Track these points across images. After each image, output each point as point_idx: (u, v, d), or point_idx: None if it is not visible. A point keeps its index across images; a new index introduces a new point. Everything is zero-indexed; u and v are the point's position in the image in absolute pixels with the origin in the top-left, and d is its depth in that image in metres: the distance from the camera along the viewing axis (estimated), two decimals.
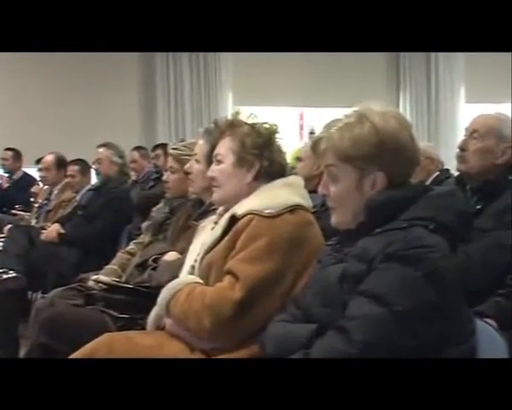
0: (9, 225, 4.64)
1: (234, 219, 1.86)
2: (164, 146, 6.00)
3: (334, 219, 1.53)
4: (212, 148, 2.39)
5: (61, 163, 5.05)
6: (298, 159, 3.63)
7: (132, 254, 2.98)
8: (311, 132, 7.85)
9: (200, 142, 2.50)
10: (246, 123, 1.99)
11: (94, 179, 4.88)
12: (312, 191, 2.24)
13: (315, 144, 1.54)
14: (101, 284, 2.57)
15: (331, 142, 1.48)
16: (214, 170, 1.99)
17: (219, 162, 1.97)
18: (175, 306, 1.80)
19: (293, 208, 1.83)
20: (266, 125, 1.99)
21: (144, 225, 4.84)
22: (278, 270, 1.74)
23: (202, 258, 1.89)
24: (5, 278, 3.89)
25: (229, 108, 8.07)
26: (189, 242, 2.38)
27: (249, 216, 1.80)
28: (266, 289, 1.73)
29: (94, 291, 2.52)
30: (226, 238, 1.84)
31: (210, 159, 2.41)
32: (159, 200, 5.11)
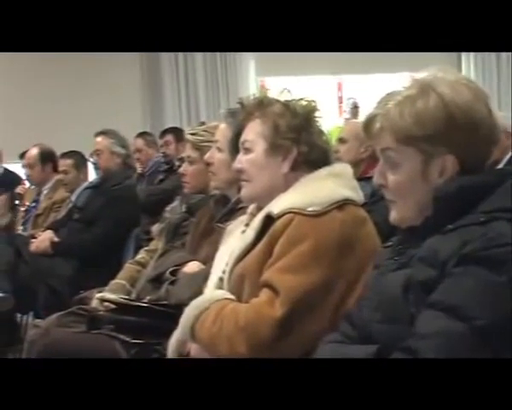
0: None
1: (269, 220, 1.87)
2: (175, 131, 6.05)
3: (395, 215, 1.53)
4: (238, 133, 2.41)
5: (47, 157, 5.11)
6: (340, 140, 3.64)
7: (143, 265, 3.02)
8: (354, 106, 7.81)
9: (222, 126, 2.52)
10: (278, 101, 1.99)
11: (92, 175, 4.96)
12: (358, 179, 2.25)
13: (367, 124, 1.54)
14: (107, 304, 2.61)
15: (388, 120, 1.48)
16: (242, 160, 2.00)
17: (248, 151, 1.98)
18: (202, 329, 1.81)
19: (342, 204, 1.84)
20: (303, 103, 1.99)
21: (155, 228, 4.94)
22: (326, 280, 1.75)
23: (232, 268, 1.91)
24: None
25: (251, 80, 8.08)
26: (215, 249, 2.40)
27: (288, 215, 1.81)
28: (313, 304, 1.74)
29: (99, 313, 2.56)
30: (261, 243, 1.85)
31: (235, 146, 2.43)
32: (171, 196, 5.20)
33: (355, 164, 3.14)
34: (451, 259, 1.34)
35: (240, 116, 2.34)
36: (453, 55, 8.79)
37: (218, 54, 7.95)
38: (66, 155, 4.92)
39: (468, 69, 8.57)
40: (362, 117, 7.72)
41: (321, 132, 1.99)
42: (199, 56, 7.89)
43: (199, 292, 2.21)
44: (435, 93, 1.45)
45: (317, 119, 1.99)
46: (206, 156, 2.57)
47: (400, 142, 1.47)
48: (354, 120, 5.11)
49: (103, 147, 4.52)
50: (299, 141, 1.93)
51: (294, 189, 1.91)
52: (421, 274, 1.38)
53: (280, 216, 1.84)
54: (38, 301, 4.22)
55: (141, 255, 3.12)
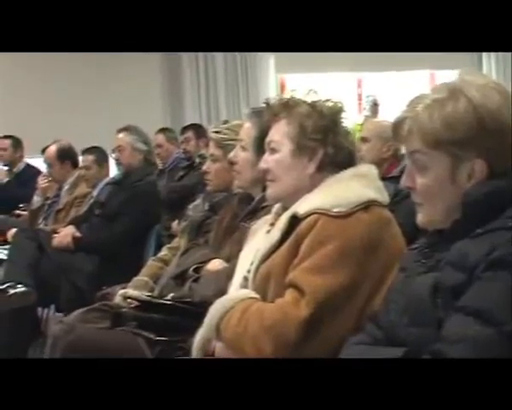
0: (14, 230, 4.76)
1: (295, 220, 1.87)
2: (195, 127, 6.07)
3: (422, 218, 1.53)
4: (263, 133, 2.41)
5: (65, 155, 5.15)
6: (362, 139, 3.64)
7: (166, 262, 3.03)
8: (374, 103, 7.80)
9: (247, 125, 2.53)
10: (304, 101, 1.99)
11: (113, 171, 4.98)
12: (381, 178, 2.25)
13: (396, 126, 1.53)
14: (130, 300, 2.63)
15: (417, 123, 1.48)
16: (268, 160, 2.00)
17: (274, 151, 1.99)
18: (227, 328, 1.82)
19: (368, 205, 1.84)
20: (329, 104, 2.00)
21: (175, 224, 4.97)
22: (352, 281, 1.75)
23: (257, 267, 1.92)
24: (12, 294, 3.99)
25: (271, 77, 8.09)
26: (238, 247, 2.42)
27: (314, 216, 1.82)
28: (338, 305, 1.74)
29: (123, 309, 2.57)
30: (286, 243, 1.86)
31: (259, 146, 2.43)
32: (191, 193, 5.22)
33: (377, 163, 3.12)
34: (480, 263, 1.34)
35: (265, 116, 2.35)
36: (474, 53, 8.75)
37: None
38: (87, 150, 4.95)
39: (488, 69, 8.52)
40: (381, 115, 7.76)
41: (347, 133, 1.99)
42: (219, 53, 7.89)
43: (222, 290, 2.22)
44: (465, 97, 1.45)
45: (343, 119, 1.99)
46: (231, 155, 2.58)
47: (429, 145, 1.47)
48: (376, 119, 5.10)
49: (125, 143, 4.53)
50: (326, 142, 1.94)
51: (320, 189, 1.92)
52: (450, 278, 1.38)
53: (306, 217, 1.84)
54: (60, 296, 4.25)
55: (163, 252, 3.13)
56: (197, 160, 5.65)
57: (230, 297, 1.91)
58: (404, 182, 1.55)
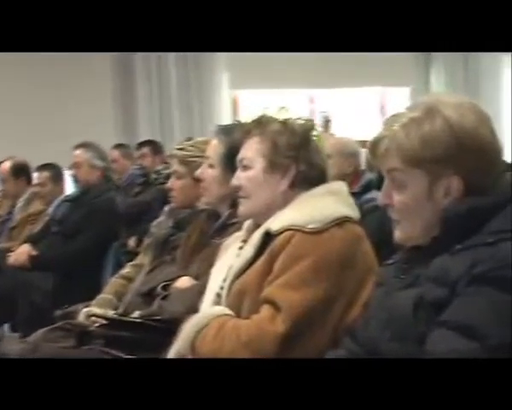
0: None
1: (268, 237, 1.88)
2: (151, 143, 6.05)
3: (400, 234, 1.56)
4: (231, 150, 2.42)
5: (20, 171, 5.12)
6: None
7: (129, 280, 3.00)
8: (327, 120, 7.89)
9: (214, 142, 2.53)
10: (276, 119, 2.01)
11: (69, 188, 4.93)
12: None
13: (374, 145, 1.56)
14: (94, 319, 2.59)
15: (395, 141, 1.50)
16: (240, 177, 2.01)
17: (246, 168, 2.00)
18: (202, 345, 1.82)
19: (342, 221, 1.86)
20: (301, 121, 2.02)
21: (131, 241, 4.93)
22: (327, 296, 1.77)
23: (231, 284, 1.92)
24: None
25: (224, 92, 8.10)
26: (207, 264, 2.41)
27: (288, 232, 1.83)
28: (314, 320, 1.76)
29: (89, 328, 2.54)
30: (260, 260, 1.86)
31: (227, 163, 2.45)
32: (148, 209, 5.18)
33: (340, 179, 3.17)
34: (462, 278, 1.36)
35: (237, 133, 2.37)
36: (422, 70, 8.94)
37: (192, 66, 7.95)
38: (42, 167, 4.92)
39: (437, 85, 8.71)
40: (333, 131, 7.80)
41: (318, 150, 2.01)
42: (172, 68, 7.88)
43: (192, 307, 2.21)
44: (441, 116, 1.48)
45: (314, 137, 2.01)
46: (198, 172, 2.57)
47: (407, 163, 1.50)
48: (337, 136, 5.16)
49: (82, 160, 4.49)
50: (298, 159, 1.95)
51: (293, 206, 1.93)
52: (432, 293, 1.41)
53: (279, 233, 1.85)
54: (17, 315, 4.19)
55: (127, 270, 3.10)
56: (153, 176, 5.64)
57: (205, 314, 1.90)
58: (382, 199, 1.57)
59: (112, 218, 4.47)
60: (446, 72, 8.71)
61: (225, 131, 2.50)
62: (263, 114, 2.05)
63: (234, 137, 2.45)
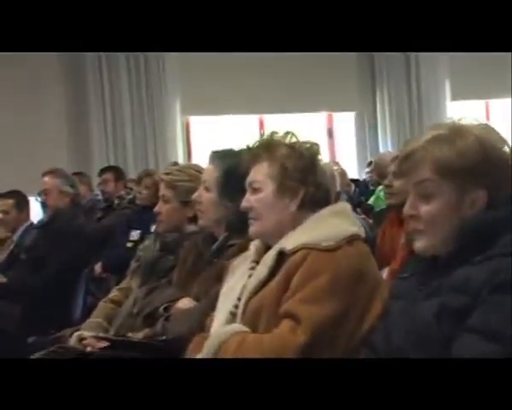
0: None
1: (281, 256, 1.97)
2: (114, 169, 6.08)
3: (422, 244, 1.65)
4: (227, 174, 2.51)
5: None
6: None
7: (117, 303, 3.04)
8: None
9: (210, 167, 2.61)
10: (284, 143, 2.09)
11: (34, 214, 4.90)
12: None
13: (404, 158, 1.65)
14: (87, 342, 2.61)
15: (429, 153, 1.61)
16: (251, 200, 2.09)
17: (256, 191, 2.08)
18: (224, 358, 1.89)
19: (352, 239, 1.97)
20: (307, 145, 2.11)
21: (98, 266, 4.92)
22: (343, 309, 1.87)
23: (247, 303, 1.99)
24: None
25: (177, 118, 8.19)
26: (206, 285, 2.49)
27: (303, 251, 1.92)
28: (331, 331, 1.85)
29: (85, 351, 2.57)
30: (276, 278, 1.95)
31: (223, 186, 2.54)
32: (112, 234, 5.19)
33: None
34: (485, 287, 1.48)
35: (232, 158, 2.46)
36: (368, 95, 9.22)
37: (144, 91, 8.00)
38: (6, 195, 4.86)
39: (382, 105, 8.99)
40: None
41: (324, 173, 2.11)
42: (125, 94, 7.92)
43: (195, 327, 2.29)
44: (471, 133, 1.61)
45: (320, 160, 2.11)
46: (195, 196, 2.64)
47: (440, 174, 1.60)
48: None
49: (52, 186, 4.50)
50: (306, 182, 2.04)
51: (304, 227, 2.02)
52: (455, 302, 1.53)
53: (294, 252, 1.95)
54: None
55: (114, 294, 3.13)
56: (116, 201, 5.67)
57: (223, 331, 1.97)
58: (408, 210, 1.66)
59: (82, 244, 4.47)
60: (390, 95, 9.00)
61: (220, 156, 2.58)
62: (271, 139, 2.12)
63: (229, 161, 2.54)
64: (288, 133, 2.12)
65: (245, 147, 2.17)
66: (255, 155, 2.11)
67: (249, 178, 2.11)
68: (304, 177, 2.05)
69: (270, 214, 2.06)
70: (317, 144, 2.14)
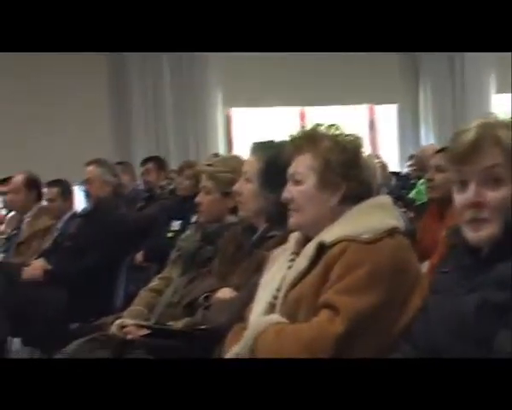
0: None
1: (322, 248, 1.98)
2: (156, 159, 6.13)
3: (486, 233, 1.60)
4: (269, 166, 2.53)
5: (32, 184, 5.11)
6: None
7: (158, 292, 3.08)
8: None
9: (251, 158, 2.63)
10: (327, 136, 2.08)
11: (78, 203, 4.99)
12: None
13: (471, 146, 1.62)
14: (128, 330, 2.65)
15: (496, 138, 1.58)
16: (292, 191, 2.09)
17: (298, 183, 2.08)
18: (261, 348, 1.90)
19: (392, 232, 1.96)
20: (351, 138, 2.10)
21: (139, 255, 4.98)
22: (381, 301, 1.86)
23: (286, 293, 2.00)
24: None
25: (218, 110, 8.22)
26: (246, 275, 2.51)
27: (343, 243, 1.93)
28: (369, 324, 1.85)
29: (127, 338, 2.60)
30: (316, 270, 1.95)
31: (264, 178, 2.55)
32: (154, 224, 5.24)
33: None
34: None
35: (274, 150, 2.47)
36: (410, 87, 9.13)
37: (186, 82, 8.05)
38: (52, 183, 4.96)
39: (425, 98, 8.89)
40: None
41: (367, 167, 2.10)
42: (167, 85, 7.98)
43: (235, 317, 2.31)
44: None
45: (363, 154, 2.10)
46: (235, 187, 2.67)
47: (510, 158, 1.58)
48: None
49: (95, 176, 4.57)
50: (348, 177, 2.03)
51: (344, 219, 2.02)
52: (497, 297, 1.52)
53: (333, 244, 1.95)
54: (30, 329, 4.21)
55: (155, 282, 3.17)
56: (158, 191, 5.73)
57: (262, 320, 1.98)
58: (474, 198, 1.62)
59: (123, 233, 4.53)
60: (434, 88, 8.90)
61: (262, 147, 2.60)
62: (315, 130, 2.10)
63: (270, 153, 2.56)
64: (332, 126, 2.11)
65: (288, 137, 2.16)
66: (298, 146, 2.11)
67: (291, 169, 2.11)
68: (346, 172, 2.04)
69: (311, 207, 2.06)
70: (360, 137, 2.12)
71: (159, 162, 6.07)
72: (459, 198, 1.66)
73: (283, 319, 1.97)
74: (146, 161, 6.20)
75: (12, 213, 5.46)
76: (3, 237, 5.29)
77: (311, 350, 1.82)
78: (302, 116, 9.03)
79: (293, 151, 2.12)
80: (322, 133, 2.09)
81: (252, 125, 8.77)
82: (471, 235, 1.64)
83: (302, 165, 2.08)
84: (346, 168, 2.04)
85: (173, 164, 7.13)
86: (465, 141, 1.63)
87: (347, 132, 2.12)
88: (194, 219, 4.42)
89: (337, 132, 2.09)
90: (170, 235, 4.94)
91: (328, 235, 1.99)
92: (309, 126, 2.14)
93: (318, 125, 2.12)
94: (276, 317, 1.99)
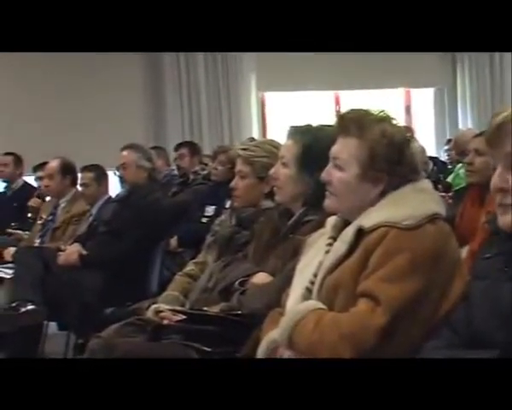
0: (12, 248, 4.75)
1: (360, 233, 1.95)
2: (190, 145, 6.15)
3: (509, 219, 1.57)
4: (307, 150, 2.50)
5: (67, 169, 5.16)
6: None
7: (193, 277, 3.08)
8: None
9: (289, 142, 2.60)
10: (376, 124, 2.01)
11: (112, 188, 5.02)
12: None
13: (497, 128, 1.57)
14: (164, 314, 2.66)
15: None
16: (332, 174, 2.05)
17: (339, 168, 2.03)
18: (301, 337, 1.89)
19: (433, 218, 1.93)
20: (398, 129, 2.03)
21: (173, 240, 5.00)
22: (423, 289, 1.84)
23: (323, 279, 1.99)
24: (23, 312, 4.00)
25: (252, 94, 8.20)
26: (283, 260, 2.49)
27: (383, 229, 1.90)
28: (411, 313, 1.83)
29: (163, 322, 2.61)
30: (355, 255, 1.93)
31: (302, 163, 2.53)
32: (186, 209, 5.25)
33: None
34: None
35: (311, 134, 2.45)
36: (448, 71, 9.00)
37: (220, 67, 8.05)
38: (86, 168, 4.99)
39: (463, 88, 8.77)
40: None
41: (412, 160, 2.03)
42: (201, 70, 7.98)
43: (271, 302, 2.30)
44: None
45: (409, 146, 2.03)
46: (272, 171, 2.65)
47: None
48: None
49: (130, 161, 4.58)
50: (392, 173, 1.99)
51: (384, 204, 1.98)
52: None
53: (373, 230, 1.92)
54: (67, 314, 4.27)
55: (190, 267, 3.17)
56: (191, 177, 5.74)
57: (300, 307, 1.96)
58: (497, 183, 1.58)
59: (158, 218, 4.55)
60: (471, 72, 8.76)
61: (300, 131, 2.57)
62: (364, 115, 2.04)
63: (309, 137, 2.53)
64: (381, 112, 2.06)
65: (336, 115, 2.12)
66: (344, 127, 2.05)
67: (334, 151, 2.06)
68: (391, 167, 1.99)
69: (349, 196, 2.03)
70: (408, 128, 2.08)
71: (193, 147, 6.07)
72: (492, 182, 1.62)
73: (321, 305, 1.95)
74: (180, 146, 6.21)
75: (48, 198, 5.49)
76: (40, 222, 5.32)
77: (351, 342, 1.80)
78: (337, 100, 8.96)
79: (338, 130, 2.07)
80: (371, 119, 2.02)
81: (285, 110, 8.73)
82: (500, 220, 1.60)
83: (346, 150, 2.03)
84: (390, 164, 1.98)
85: (207, 149, 7.15)
86: (493, 124, 1.60)
87: (395, 121, 2.05)
88: (228, 204, 4.42)
89: (386, 121, 2.03)
90: (204, 220, 4.96)
91: (368, 220, 1.96)
92: (358, 109, 2.08)
93: (366, 110, 2.05)
94: (314, 303, 1.97)
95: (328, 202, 2.10)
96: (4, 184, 6.75)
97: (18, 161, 6.68)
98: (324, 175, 2.08)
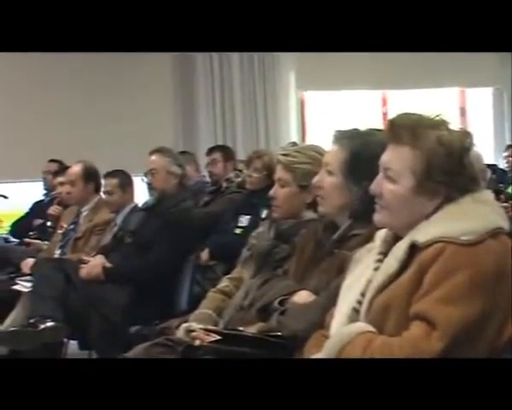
0: (30, 259, 4.80)
1: (413, 249, 1.94)
2: (223, 149, 6.15)
3: None
4: (355, 157, 2.49)
5: (90, 175, 5.19)
6: None
7: (227, 294, 3.09)
8: None
9: (335, 148, 2.59)
10: (432, 131, 1.98)
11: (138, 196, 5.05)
12: None
13: None
14: (195, 334, 2.67)
15: None
16: (382, 186, 2.03)
17: (391, 180, 2.01)
18: None
19: (496, 232, 1.90)
20: (457, 136, 1.99)
21: (204, 254, 5.00)
22: (484, 311, 1.81)
23: (372, 299, 1.97)
24: (42, 329, 4.03)
25: (291, 93, 8.20)
26: (326, 277, 2.49)
27: (439, 244, 1.87)
28: (471, 337, 1.80)
29: (194, 343, 2.62)
30: (407, 273, 1.91)
31: (349, 170, 2.52)
32: (217, 221, 5.24)
33: None
34: None
35: (360, 139, 2.44)
36: (505, 70, 8.91)
37: (256, 65, 8.06)
38: (110, 174, 4.99)
39: None
40: None
41: (472, 170, 1.99)
42: (236, 68, 8.00)
43: (314, 323, 2.29)
44: None
45: (470, 157, 2.00)
46: (315, 180, 2.64)
47: None
48: None
49: (159, 166, 4.59)
50: (451, 185, 1.96)
51: (440, 217, 1.96)
52: None
53: (428, 245, 1.90)
54: (90, 331, 4.29)
55: (224, 284, 3.18)
56: (224, 184, 5.73)
57: (346, 330, 1.95)
58: None
59: (189, 229, 4.55)
60: None
61: (348, 136, 2.56)
62: (419, 120, 2.01)
63: (357, 142, 2.52)
64: (437, 117, 2.02)
65: (387, 120, 2.10)
66: (397, 135, 2.01)
67: (385, 161, 2.04)
68: (449, 179, 1.96)
69: (402, 210, 2.01)
70: (468, 134, 2.04)
71: (226, 152, 6.06)
72: None
73: (370, 328, 1.94)
74: (212, 150, 6.18)
75: (69, 206, 5.54)
76: (60, 231, 5.36)
77: None
78: (384, 101, 8.92)
79: (389, 137, 2.04)
80: (425, 125, 1.99)
81: (328, 111, 8.72)
82: None
83: (399, 161, 2.00)
84: (449, 176, 1.96)
85: (241, 154, 7.15)
86: None
87: (453, 127, 2.02)
88: (264, 214, 4.42)
89: (442, 127, 2.00)
90: (238, 231, 4.96)
91: (422, 234, 1.94)
92: (411, 113, 2.05)
93: (421, 115, 2.02)
94: (362, 325, 1.96)
95: (379, 217, 2.08)
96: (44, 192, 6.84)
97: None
98: (374, 187, 2.06)
